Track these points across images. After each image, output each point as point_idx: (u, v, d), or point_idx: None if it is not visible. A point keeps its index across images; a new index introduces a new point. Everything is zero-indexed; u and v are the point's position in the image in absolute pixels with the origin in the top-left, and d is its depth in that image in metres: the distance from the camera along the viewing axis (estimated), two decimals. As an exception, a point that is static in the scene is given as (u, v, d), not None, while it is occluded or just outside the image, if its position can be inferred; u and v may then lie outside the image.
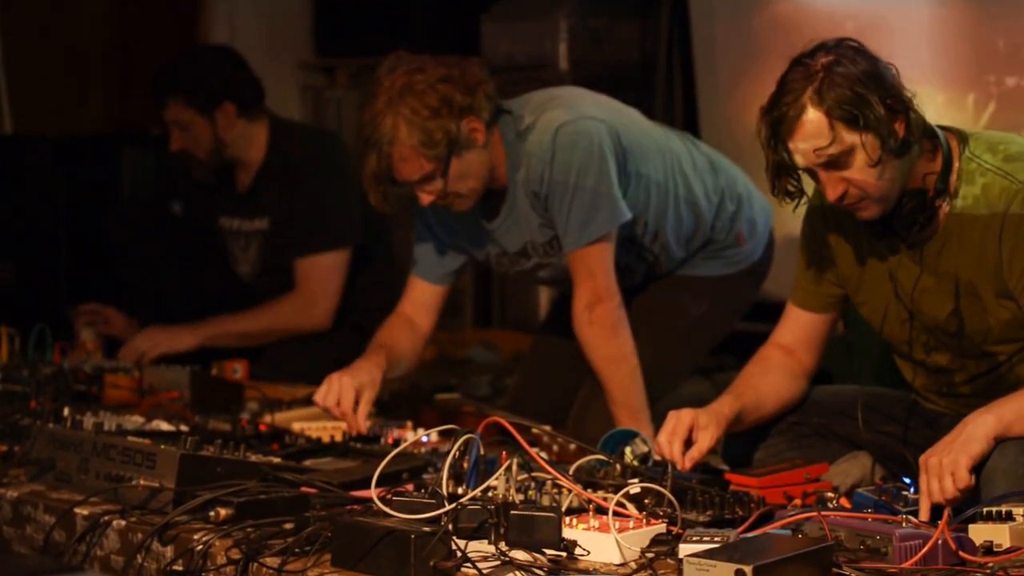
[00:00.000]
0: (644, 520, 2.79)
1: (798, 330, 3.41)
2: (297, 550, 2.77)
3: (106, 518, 3.08)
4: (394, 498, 2.77)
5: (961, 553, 2.65)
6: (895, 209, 3.09)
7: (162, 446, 3.17)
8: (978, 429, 2.92)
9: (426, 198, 3.80)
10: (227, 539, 2.85)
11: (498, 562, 2.64)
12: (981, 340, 3.17)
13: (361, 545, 2.67)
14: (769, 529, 2.77)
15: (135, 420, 3.72)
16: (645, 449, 3.34)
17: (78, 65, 6.79)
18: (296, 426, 3.85)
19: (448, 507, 2.71)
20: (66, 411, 3.57)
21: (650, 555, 2.70)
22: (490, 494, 2.84)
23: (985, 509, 2.79)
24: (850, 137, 3.00)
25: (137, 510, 3.08)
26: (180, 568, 2.88)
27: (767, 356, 3.43)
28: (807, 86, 3.00)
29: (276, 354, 4.88)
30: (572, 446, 3.52)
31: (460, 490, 2.91)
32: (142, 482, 3.10)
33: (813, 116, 3.00)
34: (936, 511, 2.87)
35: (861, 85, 2.99)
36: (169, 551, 2.93)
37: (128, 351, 4.74)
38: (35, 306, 4.95)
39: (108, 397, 4.28)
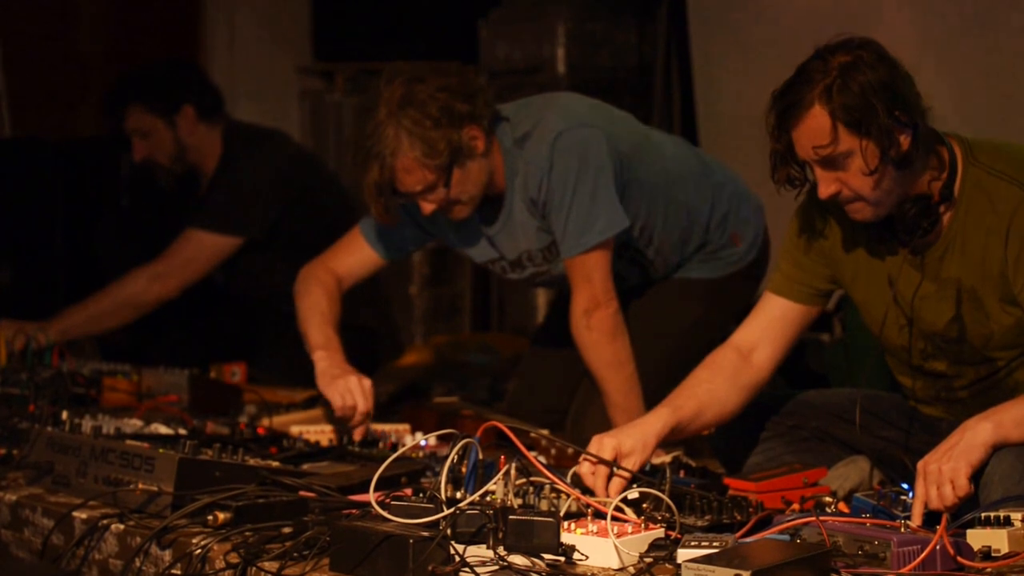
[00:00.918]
0: (643, 525, 2.79)
1: (768, 321, 3.35)
2: (295, 554, 2.77)
3: (104, 522, 3.08)
4: (392, 502, 2.77)
5: (959, 558, 2.65)
6: (898, 214, 3.09)
7: (161, 450, 3.18)
8: (977, 436, 2.92)
9: (428, 207, 3.81)
10: (226, 543, 2.85)
11: (496, 567, 2.64)
12: (981, 346, 3.17)
13: (359, 549, 2.67)
14: (767, 534, 2.78)
15: (133, 423, 3.72)
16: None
17: (78, 68, 6.78)
18: (294, 429, 3.85)
19: (446, 511, 2.71)
20: (64, 414, 3.58)
21: (648, 560, 2.70)
22: (488, 498, 2.84)
23: (983, 514, 2.79)
24: (850, 141, 3.00)
25: (135, 514, 3.08)
26: (179, 572, 2.88)
27: (717, 361, 3.35)
28: (820, 82, 2.99)
29: (275, 357, 4.88)
30: (570, 450, 3.53)
31: (458, 494, 2.91)
32: (140, 486, 3.11)
33: (818, 113, 3.00)
34: (931, 516, 2.87)
35: (872, 93, 2.98)
36: (167, 555, 2.93)
37: None
38: (33, 309, 4.95)
39: (106, 400, 4.29)
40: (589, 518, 2.81)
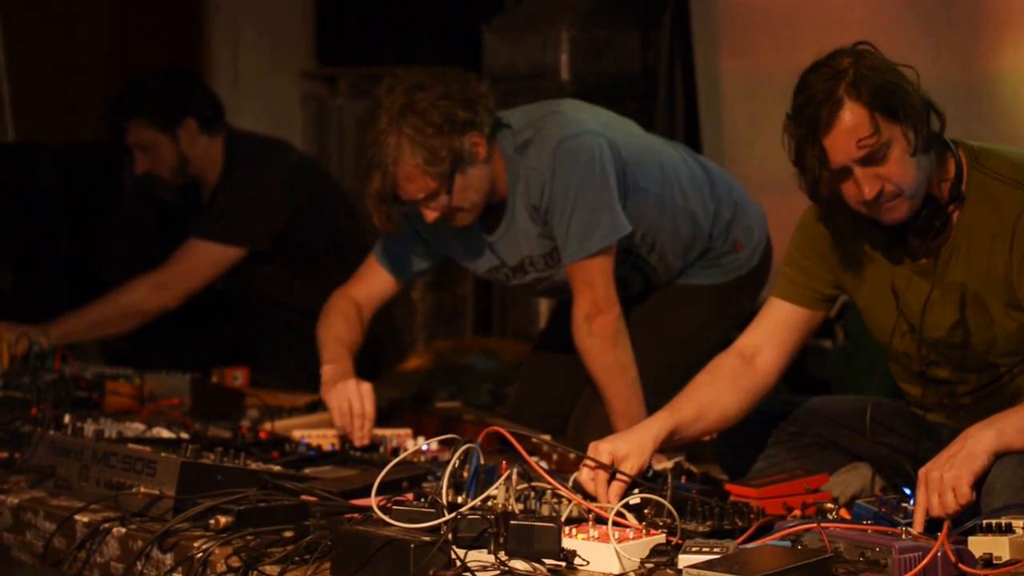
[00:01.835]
0: (644, 530, 2.79)
1: (773, 325, 3.34)
2: (297, 558, 2.77)
3: (106, 525, 3.08)
4: (394, 507, 2.78)
5: (960, 566, 2.65)
6: (911, 216, 3.08)
7: (162, 454, 3.18)
8: (979, 444, 2.92)
9: (430, 215, 3.81)
10: (227, 547, 2.85)
11: (497, 572, 2.64)
12: (985, 351, 3.17)
13: (360, 554, 2.67)
14: (768, 540, 2.78)
15: (136, 427, 3.72)
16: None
17: (80, 73, 6.78)
18: (296, 433, 3.86)
19: (448, 516, 2.71)
20: (67, 418, 3.58)
21: (649, 565, 2.70)
22: (490, 503, 2.84)
23: (985, 521, 2.79)
24: (890, 130, 2.98)
25: (137, 517, 3.08)
26: (180, 576, 2.89)
27: (720, 365, 3.34)
28: (840, 82, 2.98)
29: (278, 363, 4.88)
30: (571, 455, 3.53)
31: (460, 499, 2.91)
32: (142, 489, 3.11)
33: (852, 107, 2.97)
34: (932, 523, 2.87)
35: (894, 74, 2.99)
36: (169, 559, 2.93)
37: None
38: (35, 313, 4.95)
39: (109, 404, 4.28)
40: (590, 523, 2.82)
